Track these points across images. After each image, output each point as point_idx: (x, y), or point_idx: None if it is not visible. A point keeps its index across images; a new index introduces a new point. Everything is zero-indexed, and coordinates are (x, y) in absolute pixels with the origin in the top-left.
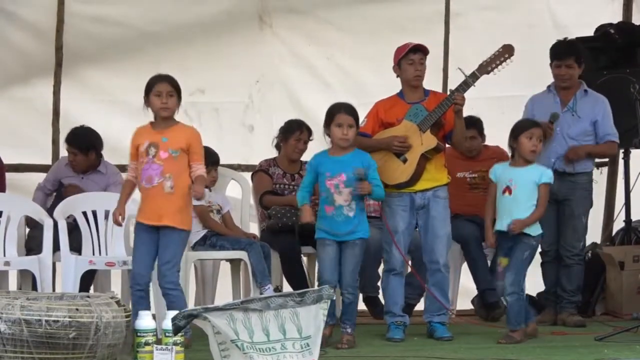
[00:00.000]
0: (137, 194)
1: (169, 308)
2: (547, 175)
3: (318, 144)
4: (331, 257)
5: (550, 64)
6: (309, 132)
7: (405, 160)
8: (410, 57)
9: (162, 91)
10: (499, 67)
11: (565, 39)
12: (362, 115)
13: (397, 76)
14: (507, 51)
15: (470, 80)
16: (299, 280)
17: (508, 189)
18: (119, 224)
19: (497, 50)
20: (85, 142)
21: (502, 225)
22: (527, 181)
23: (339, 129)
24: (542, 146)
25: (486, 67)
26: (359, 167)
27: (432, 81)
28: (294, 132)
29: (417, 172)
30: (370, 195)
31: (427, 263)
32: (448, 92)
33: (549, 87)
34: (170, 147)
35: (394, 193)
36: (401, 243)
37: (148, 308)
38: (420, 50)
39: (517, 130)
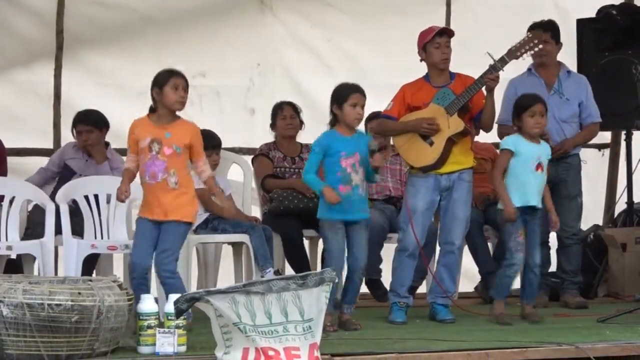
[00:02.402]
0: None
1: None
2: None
3: (314, 124)
4: (342, 241)
5: None
6: (293, 107)
7: (431, 143)
8: (436, 41)
9: (179, 85)
10: (528, 52)
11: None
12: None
13: (421, 60)
14: (536, 37)
15: (498, 65)
16: (300, 263)
17: (540, 166)
18: (122, 201)
19: (525, 35)
20: (98, 118)
21: (529, 200)
22: (546, 158)
23: (354, 109)
24: (545, 120)
25: (515, 52)
26: (371, 140)
27: None
28: (276, 113)
29: (443, 155)
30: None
31: (441, 244)
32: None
33: (528, 69)
34: (175, 143)
35: (420, 174)
36: (419, 223)
37: (148, 292)
38: (445, 33)
39: (520, 109)
